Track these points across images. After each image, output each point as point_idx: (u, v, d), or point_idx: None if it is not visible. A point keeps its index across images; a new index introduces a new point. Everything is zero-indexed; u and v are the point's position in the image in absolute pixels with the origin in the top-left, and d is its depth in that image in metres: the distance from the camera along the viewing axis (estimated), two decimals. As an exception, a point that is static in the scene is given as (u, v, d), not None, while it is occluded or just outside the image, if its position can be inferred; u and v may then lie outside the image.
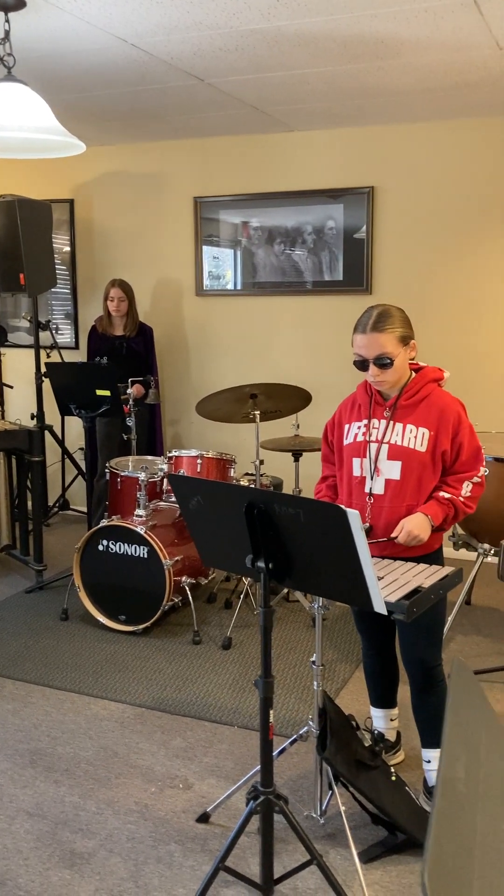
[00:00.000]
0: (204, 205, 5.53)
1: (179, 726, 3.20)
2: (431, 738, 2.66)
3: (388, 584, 2.22)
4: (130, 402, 4.57)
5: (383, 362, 2.50)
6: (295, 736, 2.61)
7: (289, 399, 4.07)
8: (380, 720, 2.94)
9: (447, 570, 2.33)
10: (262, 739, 2.18)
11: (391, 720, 2.93)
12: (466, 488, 2.53)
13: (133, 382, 4.82)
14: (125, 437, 5.02)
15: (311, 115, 4.71)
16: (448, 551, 5.13)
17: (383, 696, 2.91)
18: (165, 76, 3.89)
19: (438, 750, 2.67)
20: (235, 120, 4.86)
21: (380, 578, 2.28)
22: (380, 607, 2.01)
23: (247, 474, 4.48)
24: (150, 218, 5.72)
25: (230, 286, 5.53)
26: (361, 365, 2.55)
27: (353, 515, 1.88)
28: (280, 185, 5.32)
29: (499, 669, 3.64)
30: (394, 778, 2.52)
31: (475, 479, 2.54)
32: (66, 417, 5.86)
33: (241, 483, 4.27)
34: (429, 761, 2.68)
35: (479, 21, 3.10)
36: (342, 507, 1.88)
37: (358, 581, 1.99)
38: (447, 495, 2.51)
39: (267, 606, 2.13)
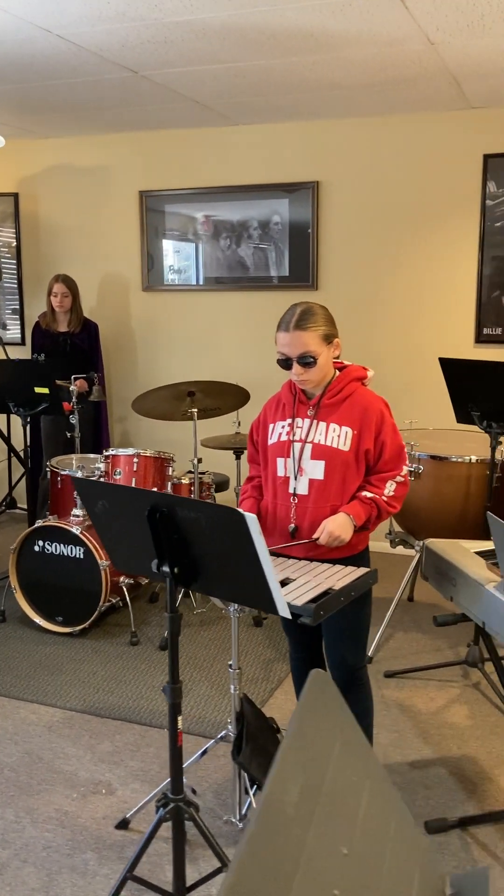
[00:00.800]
0: (150, 199, 5.46)
1: (108, 730, 3.15)
2: (354, 739, 2.64)
3: (298, 587, 2.19)
4: (74, 398, 4.50)
5: (307, 361, 2.46)
6: (213, 740, 2.57)
7: (227, 396, 4.03)
8: (307, 721, 2.91)
9: (361, 570, 2.31)
10: (171, 746, 2.14)
11: (318, 721, 2.90)
12: (390, 487, 2.51)
13: (76, 379, 4.74)
14: (69, 434, 4.94)
15: (253, 109, 4.66)
16: (385, 548, 5.14)
17: (309, 698, 2.88)
18: (98, 68, 3.82)
19: (361, 751, 2.65)
20: (177, 113, 4.79)
21: (291, 580, 2.25)
22: (283, 611, 1.98)
23: (189, 472, 4.43)
24: (95, 212, 5.64)
25: (192, 280, 5.46)
26: (285, 363, 2.51)
27: (251, 519, 1.84)
28: (225, 180, 5.26)
29: (434, 667, 3.64)
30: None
31: (398, 479, 2.52)
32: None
33: (182, 482, 4.22)
34: (351, 763, 2.65)
35: (405, 15, 3.07)
36: (240, 510, 1.85)
37: (261, 585, 1.95)
38: (370, 495, 2.48)
39: (173, 612, 2.09)
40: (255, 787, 2.41)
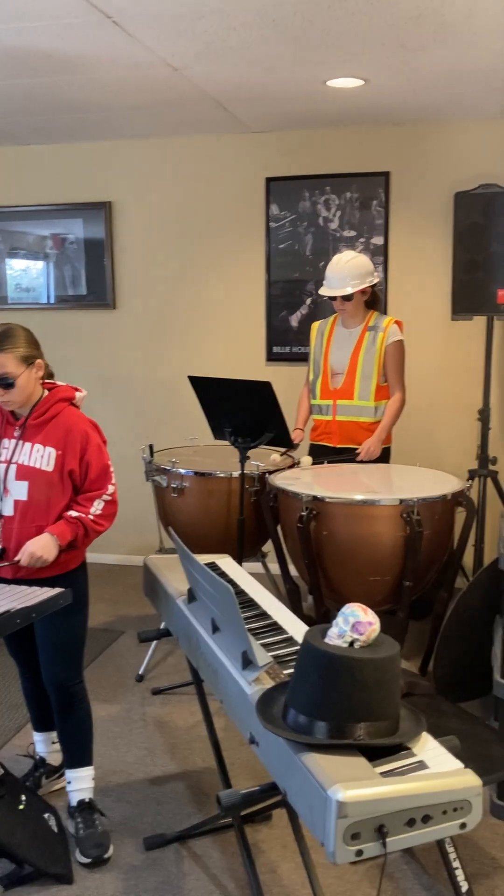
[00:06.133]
0: None
1: None
2: (73, 758, 2.63)
3: (-26, 611, 2.16)
4: None
5: (6, 382, 2.46)
6: None
7: None
8: (41, 744, 2.88)
9: (52, 591, 2.30)
10: None
11: (53, 743, 2.88)
12: (97, 506, 2.53)
13: None
14: None
15: (38, 129, 4.64)
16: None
17: (40, 719, 2.85)
18: None
19: (81, 769, 2.64)
20: (-41, 130, 4.72)
21: (-29, 604, 2.21)
22: None
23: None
24: None
25: (42, 299, 5.35)
26: None
27: None
28: (18, 199, 5.21)
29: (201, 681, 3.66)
30: (21, 806, 2.46)
31: (105, 497, 2.54)
32: None
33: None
34: (70, 782, 2.64)
35: (129, 40, 3.13)
36: None
37: None
38: (76, 514, 2.49)
39: None
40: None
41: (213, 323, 5.06)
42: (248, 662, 1.87)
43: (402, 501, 3.13)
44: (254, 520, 3.67)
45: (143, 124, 4.56)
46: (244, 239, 4.94)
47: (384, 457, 3.90)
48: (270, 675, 1.86)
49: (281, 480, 3.42)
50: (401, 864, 2.51)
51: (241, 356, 5.04)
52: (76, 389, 2.65)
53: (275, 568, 4.56)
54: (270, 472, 3.61)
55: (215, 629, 2.09)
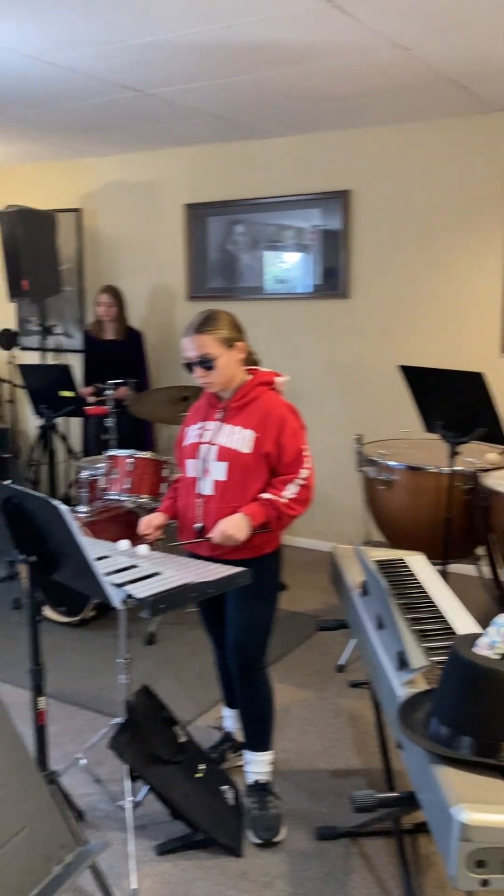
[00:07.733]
0: (193, 211, 5.65)
1: (62, 714, 3.31)
2: (250, 741, 2.68)
3: (158, 581, 2.26)
4: (112, 404, 4.73)
5: (207, 364, 2.55)
6: (106, 727, 2.68)
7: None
8: (230, 720, 2.97)
9: (233, 569, 2.35)
10: (35, 726, 2.28)
11: (240, 720, 2.95)
12: (291, 490, 2.54)
13: (117, 385, 4.93)
14: (101, 437, 5.18)
15: (277, 121, 4.74)
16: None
17: (230, 695, 2.94)
18: (102, 89, 4.03)
19: (259, 753, 2.68)
20: (205, 128, 4.95)
21: (156, 574, 2.32)
22: (114, 601, 2.07)
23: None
24: (146, 225, 5.89)
25: (235, 290, 5.60)
26: (189, 367, 2.61)
27: (64, 510, 1.95)
28: (262, 191, 5.37)
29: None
30: (199, 775, 2.56)
31: (299, 482, 2.55)
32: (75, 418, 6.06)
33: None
34: (247, 763, 2.69)
35: (355, 24, 3.08)
36: (54, 501, 1.96)
37: (91, 574, 2.06)
38: (268, 496, 2.53)
39: (31, 597, 2.23)
40: (134, 774, 2.50)
41: (444, 313, 4.88)
42: (403, 664, 1.79)
43: None
44: (466, 520, 3.49)
45: (380, 110, 4.48)
46: (484, 226, 4.69)
47: None
48: (427, 680, 1.76)
49: (494, 480, 3.22)
50: None
51: (473, 348, 4.80)
52: (277, 374, 2.68)
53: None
54: (485, 471, 3.41)
55: (381, 625, 2.02)
